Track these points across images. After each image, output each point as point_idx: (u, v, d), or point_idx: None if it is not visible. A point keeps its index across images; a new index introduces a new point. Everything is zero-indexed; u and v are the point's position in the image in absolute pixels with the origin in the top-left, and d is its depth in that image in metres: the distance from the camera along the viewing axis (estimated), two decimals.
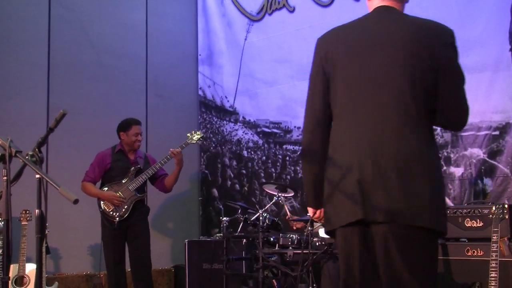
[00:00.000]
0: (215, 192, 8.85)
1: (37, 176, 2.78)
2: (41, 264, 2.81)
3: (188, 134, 6.53)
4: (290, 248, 5.77)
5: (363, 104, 2.80)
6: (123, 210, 6.09)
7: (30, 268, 5.76)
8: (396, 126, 2.73)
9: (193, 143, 6.54)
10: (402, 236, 2.67)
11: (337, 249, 2.77)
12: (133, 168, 6.26)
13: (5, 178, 2.70)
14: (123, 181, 6.21)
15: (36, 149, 2.87)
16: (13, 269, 5.54)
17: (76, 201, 2.55)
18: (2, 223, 3.17)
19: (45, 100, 7.48)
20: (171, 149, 6.31)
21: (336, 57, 2.89)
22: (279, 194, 6.13)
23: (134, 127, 6.30)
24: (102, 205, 6.14)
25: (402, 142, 2.71)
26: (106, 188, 6.21)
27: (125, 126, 6.32)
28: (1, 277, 2.72)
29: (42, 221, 2.80)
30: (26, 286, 5.70)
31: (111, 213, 6.08)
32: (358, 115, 2.80)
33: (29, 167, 2.80)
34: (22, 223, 5.83)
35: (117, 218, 6.07)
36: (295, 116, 7.90)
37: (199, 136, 6.52)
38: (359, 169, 2.72)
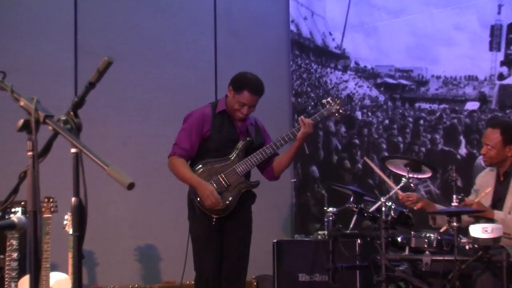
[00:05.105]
0: (314, 171, 8.91)
1: (73, 150, 2.80)
2: (80, 275, 2.90)
3: (324, 101, 6.28)
4: (427, 252, 5.75)
5: None
6: (227, 202, 5.88)
7: (56, 279, 5.91)
8: None
9: (331, 115, 6.32)
10: None
11: None
12: (242, 141, 6.05)
13: (31, 153, 2.71)
14: (231, 157, 6.00)
15: (71, 113, 2.86)
16: (26, 282, 5.70)
17: (131, 186, 2.58)
18: (23, 215, 3.22)
19: None
20: (301, 118, 6.06)
21: None
22: (410, 175, 6.10)
23: (247, 93, 5.94)
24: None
25: None
26: (200, 167, 5.97)
27: (238, 84, 6.03)
28: None
29: (81, 213, 2.85)
30: None
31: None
32: None
33: (62, 138, 2.85)
34: (45, 215, 5.85)
35: (217, 215, 5.89)
36: (432, 61, 7.83)
37: (338, 107, 6.19)
38: None
